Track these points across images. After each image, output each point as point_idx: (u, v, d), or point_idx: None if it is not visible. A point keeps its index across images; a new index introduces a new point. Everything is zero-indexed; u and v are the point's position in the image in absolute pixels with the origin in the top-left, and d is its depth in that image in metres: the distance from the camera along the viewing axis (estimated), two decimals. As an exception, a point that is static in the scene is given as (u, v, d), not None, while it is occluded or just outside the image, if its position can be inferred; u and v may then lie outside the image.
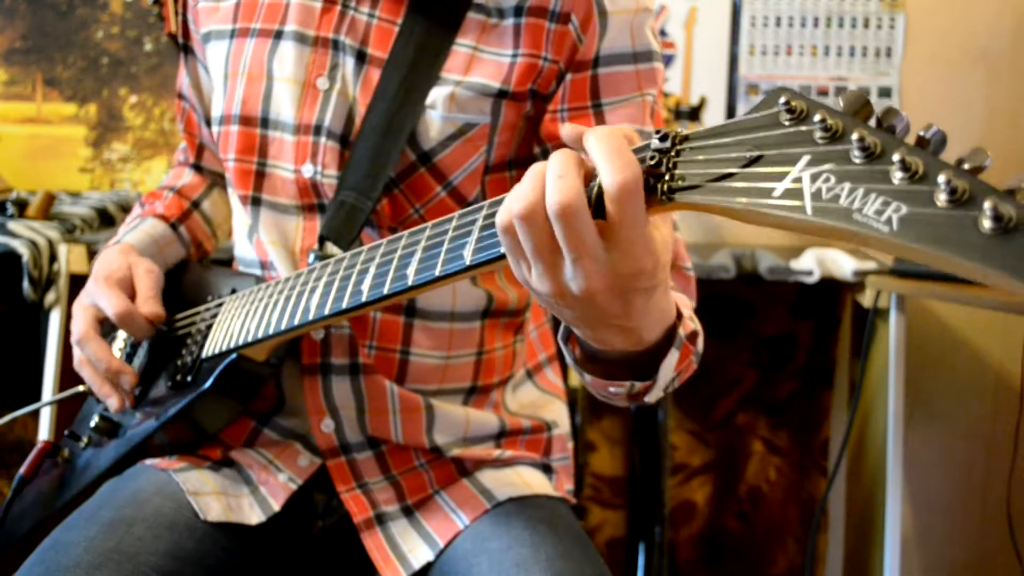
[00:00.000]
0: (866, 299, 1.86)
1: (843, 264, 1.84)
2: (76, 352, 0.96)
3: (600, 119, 0.91)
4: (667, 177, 0.54)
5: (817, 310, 2.17)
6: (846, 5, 2.15)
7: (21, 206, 1.83)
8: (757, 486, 2.24)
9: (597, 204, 0.56)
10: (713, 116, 2.17)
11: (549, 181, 0.55)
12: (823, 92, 2.17)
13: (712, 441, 2.23)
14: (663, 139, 0.55)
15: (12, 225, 1.74)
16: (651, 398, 0.75)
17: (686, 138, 0.55)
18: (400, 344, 0.97)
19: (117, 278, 0.96)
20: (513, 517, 0.91)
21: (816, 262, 1.84)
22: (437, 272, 0.67)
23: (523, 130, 0.94)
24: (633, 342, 0.64)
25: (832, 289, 2.11)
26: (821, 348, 2.19)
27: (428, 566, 0.91)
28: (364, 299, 0.73)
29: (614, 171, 0.54)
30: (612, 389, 0.73)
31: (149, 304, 0.94)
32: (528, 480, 0.99)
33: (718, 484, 2.24)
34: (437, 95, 0.90)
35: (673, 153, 0.54)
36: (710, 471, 2.24)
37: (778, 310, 2.18)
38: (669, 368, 0.72)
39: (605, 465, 2.22)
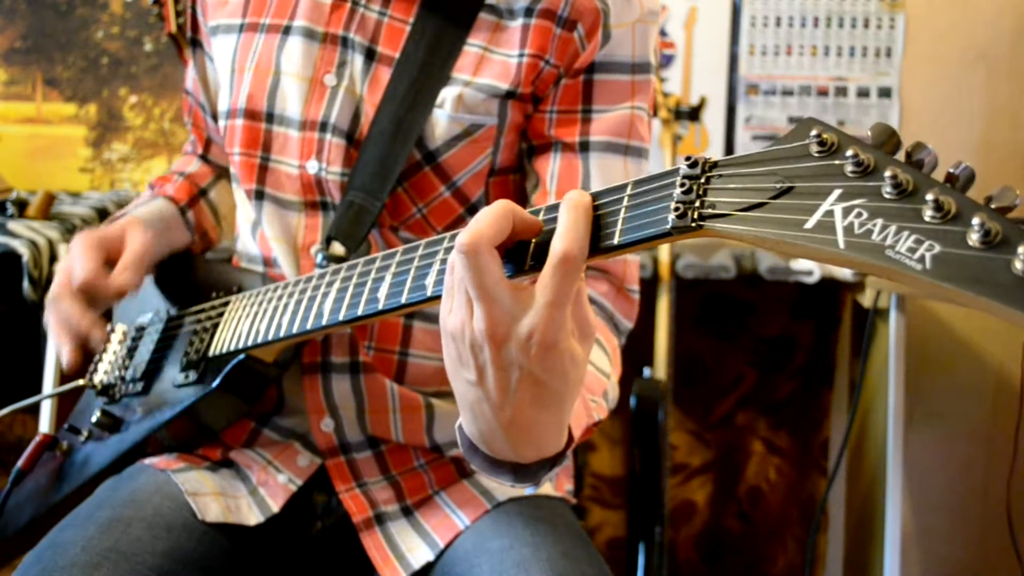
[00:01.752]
0: (866, 299, 1.85)
1: (843, 264, 1.83)
2: (47, 309, 0.93)
3: (586, 125, 0.91)
4: (697, 204, 0.54)
5: (817, 310, 2.17)
6: (846, 5, 2.15)
7: (21, 206, 1.82)
8: (757, 486, 2.24)
9: (537, 256, 0.58)
10: (713, 116, 2.17)
11: (472, 221, 0.56)
12: (823, 92, 2.17)
13: (712, 441, 2.23)
14: (692, 165, 0.55)
15: (12, 225, 1.74)
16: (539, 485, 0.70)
17: (715, 164, 0.55)
18: (399, 345, 0.97)
19: (99, 238, 0.93)
20: (514, 517, 0.91)
21: (816, 262, 1.84)
22: None
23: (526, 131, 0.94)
24: (508, 455, 0.62)
25: (832, 289, 2.10)
26: (821, 348, 2.18)
27: (428, 567, 0.91)
28: (381, 307, 0.72)
29: (568, 241, 0.54)
30: (495, 481, 0.67)
31: (124, 274, 0.91)
32: (527, 480, 0.99)
33: (718, 484, 2.24)
34: (446, 95, 0.90)
35: (703, 180, 0.55)
36: (710, 471, 2.24)
37: (778, 310, 2.18)
38: (552, 475, 0.68)
39: (605, 465, 2.22)
